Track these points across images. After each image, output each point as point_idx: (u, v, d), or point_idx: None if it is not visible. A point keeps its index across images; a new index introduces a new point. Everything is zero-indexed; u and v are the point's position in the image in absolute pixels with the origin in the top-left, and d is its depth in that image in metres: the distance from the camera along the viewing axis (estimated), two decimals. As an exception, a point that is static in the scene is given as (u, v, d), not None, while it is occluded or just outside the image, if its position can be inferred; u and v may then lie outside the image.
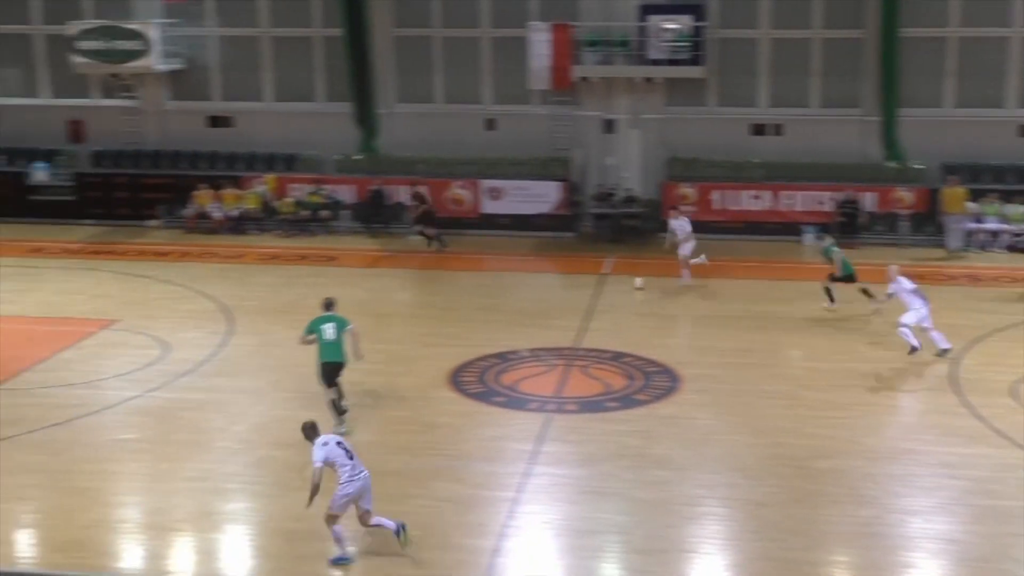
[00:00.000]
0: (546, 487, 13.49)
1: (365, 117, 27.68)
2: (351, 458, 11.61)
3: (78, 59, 27.88)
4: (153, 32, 27.62)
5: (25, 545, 12.41)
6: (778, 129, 27.11)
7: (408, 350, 18.58)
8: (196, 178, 27.71)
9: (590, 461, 14.16)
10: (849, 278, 20.31)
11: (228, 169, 28.36)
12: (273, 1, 28.30)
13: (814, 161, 26.52)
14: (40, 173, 28.34)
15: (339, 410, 14.97)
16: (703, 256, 22.54)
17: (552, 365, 17.85)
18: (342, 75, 27.50)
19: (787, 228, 26.06)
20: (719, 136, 26.94)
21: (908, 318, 17.79)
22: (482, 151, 27.55)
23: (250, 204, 27.29)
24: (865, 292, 20.05)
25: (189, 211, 27.38)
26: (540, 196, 26.64)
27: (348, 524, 11.72)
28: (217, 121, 28.81)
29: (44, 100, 29.43)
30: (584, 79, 26.91)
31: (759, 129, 27.21)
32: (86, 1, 28.65)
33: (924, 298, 17.91)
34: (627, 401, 16.28)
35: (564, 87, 26.96)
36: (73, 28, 27.74)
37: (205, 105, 28.87)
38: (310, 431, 11.91)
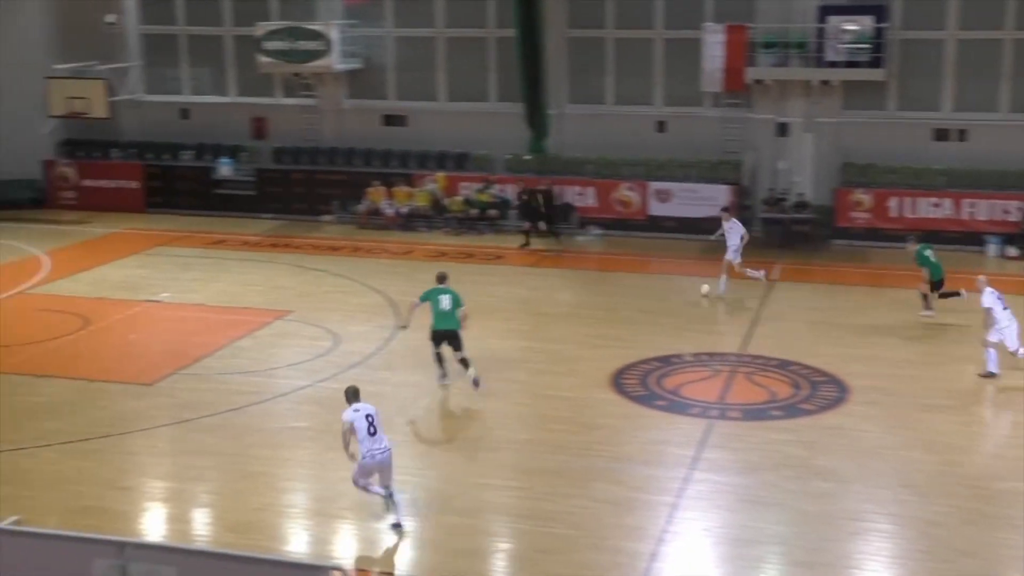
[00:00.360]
0: (706, 494, 13.31)
1: (535, 118, 27.86)
2: (372, 434, 12.14)
3: (263, 59, 28.97)
4: (334, 33, 28.47)
5: (201, 524, 12.99)
6: (962, 134, 26.02)
7: (570, 350, 18.62)
8: (370, 175, 28.43)
9: (752, 469, 13.91)
10: (939, 283, 19.61)
11: (401, 167, 29.00)
12: (449, 2, 28.82)
13: (1001, 168, 25.37)
14: (225, 168, 29.54)
15: (440, 362, 16.55)
16: (762, 272, 21.72)
17: (716, 370, 17.60)
18: (514, 76, 27.76)
19: (968, 238, 24.99)
20: (898, 141, 26.04)
21: (994, 336, 16.77)
22: (651, 153, 27.38)
23: (420, 201, 27.84)
24: (943, 296, 19.48)
25: (362, 207, 28.11)
26: (709, 199, 26.29)
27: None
28: (391, 120, 29.48)
29: (231, 98, 30.69)
30: (758, 81, 26.42)
31: (942, 134, 26.17)
32: (273, 3, 29.77)
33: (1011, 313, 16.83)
34: (792, 410, 15.92)
35: (737, 89, 26.55)
36: (260, 29, 28.84)
37: (380, 104, 29.59)
38: (350, 396, 12.60)
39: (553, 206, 26.95)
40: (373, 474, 12.29)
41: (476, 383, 16.16)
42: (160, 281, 23.03)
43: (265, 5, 29.74)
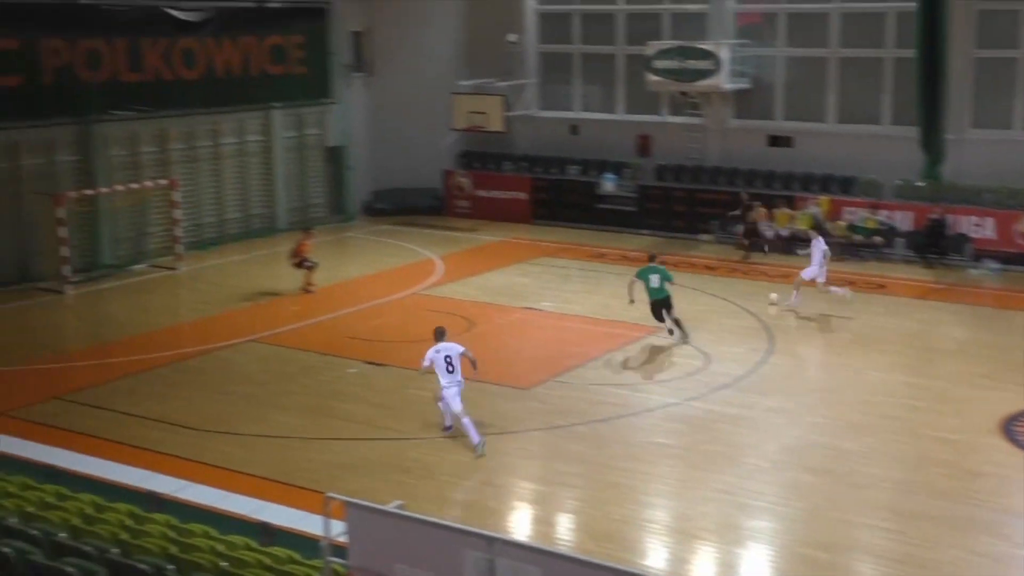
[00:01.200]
0: (1106, 562, 12.01)
1: (932, 142, 26.33)
2: (450, 371, 14.94)
3: (652, 77, 29.39)
4: (724, 53, 28.40)
5: (564, 528, 13.35)
6: None
7: (956, 390, 17.44)
8: (751, 195, 28.08)
9: None
10: None
11: (783, 189, 28.41)
12: (845, 22, 27.93)
13: None
14: (609, 184, 30.23)
15: (681, 329, 19.60)
16: (846, 290, 21.90)
17: (1126, 427, 15.84)
18: (911, 98, 26.42)
19: None
20: None
21: None
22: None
23: (801, 225, 27.12)
24: None
25: (741, 228, 27.80)
26: None
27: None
28: (777, 140, 28.97)
29: (619, 115, 31.39)
30: None
31: None
32: (665, 23, 30.17)
33: None
34: None
35: None
36: (651, 48, 29.29)
37: (767, 124, 29.17)
38: (437, 335, 15.35)
39: (944, 235, 25.41)
40: (451, 399, 14.93)
41: (674, 334, 19.50)
42: (541, 290, 23.94)
43: (657, 25, 30.19)
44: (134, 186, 26.04)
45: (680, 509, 13.55)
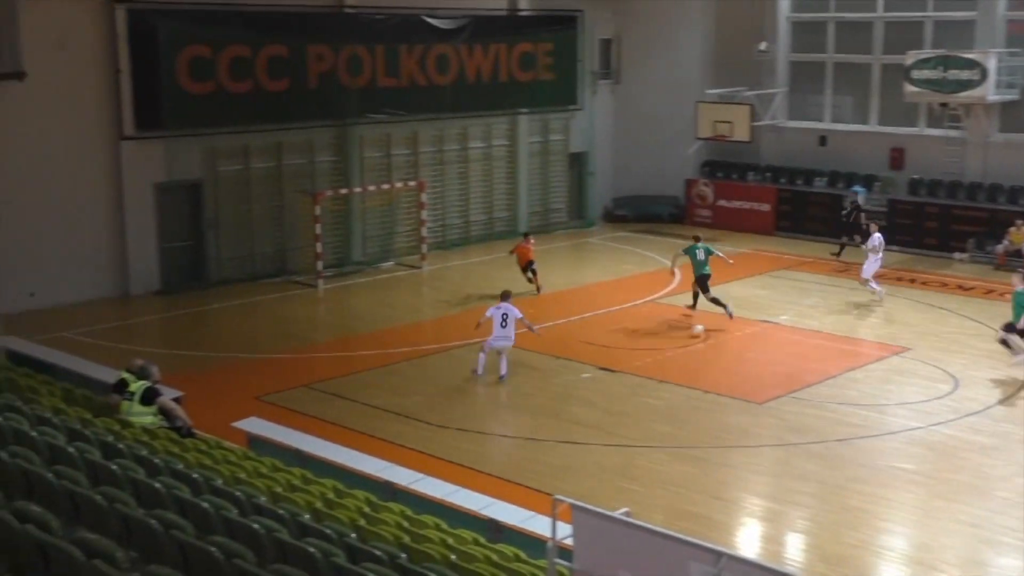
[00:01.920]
0: None
1: None
2: (503, 327, 17.82)
3: (910, 88, 28.17)
4: (990, 62, 26.90)
5: (793, 548, 12.99)
6: None
7: None
8: (1013, 214, 26.50)
9: None
10: None
11: (1051, 208, 26.68)
12: None
13: None
14: (857, 197, 29.20)
15: (722, 305, 21.32)
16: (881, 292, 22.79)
17: None
18: None
19: None
20: None
21: None
22: None
23: (1068, 246, 25.39)
24: None
25: (1000, 247, 26.28)
26: None
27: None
28: (1047, 156, 27.24)
29: (871, 127, 30.29)
30: None
31: None
32: (927, 31, 28.88)
33: None
34: None
35: None
36: (910, 58, 28.10)
37: (1035, 138, 27.49)
38: (503, 296, 18.47)
39: None
40: (495, 354, 17.90)
41: (727, 312, 21.26)
42: (780, 303, 23.39)
43: (919, 34, 28.93)
44: (385, 186, 27.14)
45: (921, 539, 12.93)
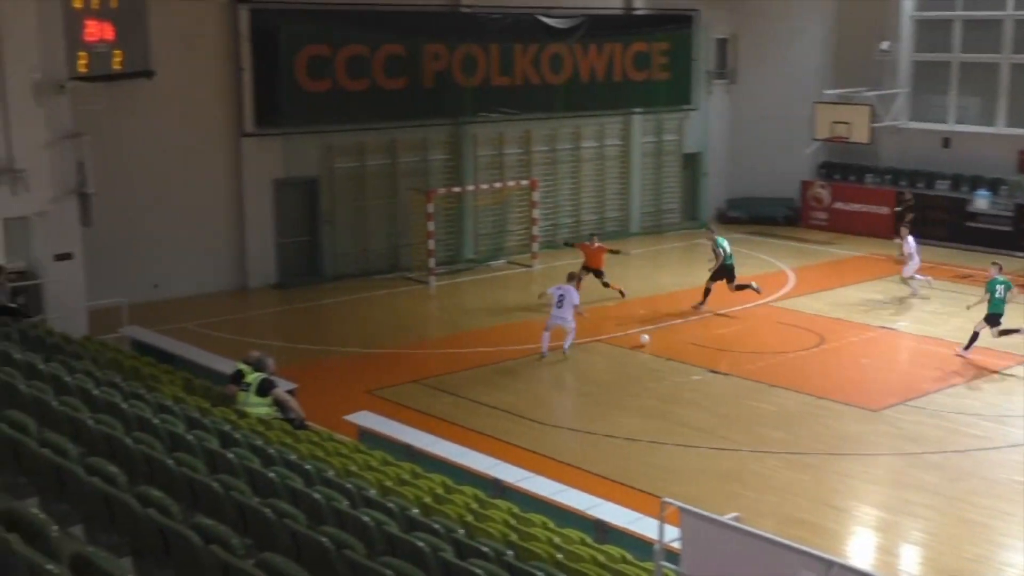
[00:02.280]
0: None
1: None
2: (559, 306, 19.00)
3: (1039, 89, 27.28)
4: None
5: (907, 560, 12.67)
6: None
7: None
8: None
9: None
10: None
11: None
12: None
13: None
14: (982, 201, 28.36)
15: (751, 288, 22.30)
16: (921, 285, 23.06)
17: None
18: None
19: None
20: None
21: None
22: None
23: None
24: None
25: None
26: None
27: None
28: None
29: (998, 129, 29.37)
30: None
31: None
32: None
33: None
34: None
35: None
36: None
37: None
38: (568, 277, 19.90)
39: None
40: (552, 330, 19.09)
41: (754, 289, 22.25)
42: (897, 309, 22.82)
43: (1050, 31, 27.99)
44: (497, 185, 27.27)
45: (1042, 556, 12.50)
